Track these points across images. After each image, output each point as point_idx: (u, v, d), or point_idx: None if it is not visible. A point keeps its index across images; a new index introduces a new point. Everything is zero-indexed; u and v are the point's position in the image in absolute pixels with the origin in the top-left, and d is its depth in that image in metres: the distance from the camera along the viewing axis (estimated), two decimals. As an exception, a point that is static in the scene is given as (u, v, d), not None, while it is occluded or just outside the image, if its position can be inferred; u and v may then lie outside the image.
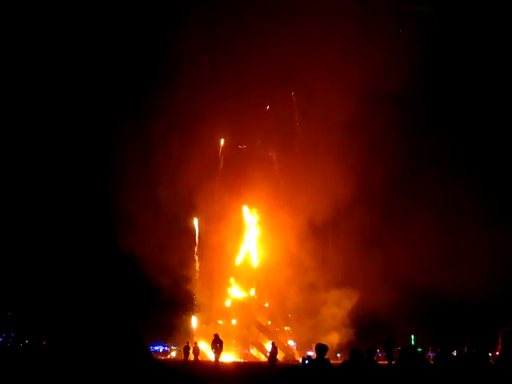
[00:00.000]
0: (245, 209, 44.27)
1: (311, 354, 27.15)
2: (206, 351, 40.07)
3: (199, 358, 32.88)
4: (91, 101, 42.99)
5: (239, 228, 44.11)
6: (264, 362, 32.57)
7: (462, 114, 41.49)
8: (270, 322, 42.50)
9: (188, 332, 40.45)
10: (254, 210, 44.26)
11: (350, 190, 38.99)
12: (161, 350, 48.66)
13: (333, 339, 37.52)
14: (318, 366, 8.06)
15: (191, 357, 32.06)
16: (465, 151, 41.75)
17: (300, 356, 38.86)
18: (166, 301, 40.55)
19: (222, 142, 44.46)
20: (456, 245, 38.39)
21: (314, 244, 40.62)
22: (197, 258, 42.09)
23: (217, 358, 25.23)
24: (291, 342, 42.28)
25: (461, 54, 40.76)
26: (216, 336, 25.60)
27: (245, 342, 40.38)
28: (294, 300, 40.46)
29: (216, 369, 23.63)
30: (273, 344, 28.92)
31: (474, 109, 41.69)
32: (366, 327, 39.36)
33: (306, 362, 13.37)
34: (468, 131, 41.23)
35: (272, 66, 40.02)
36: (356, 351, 8.36)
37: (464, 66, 40.91)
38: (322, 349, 8.24)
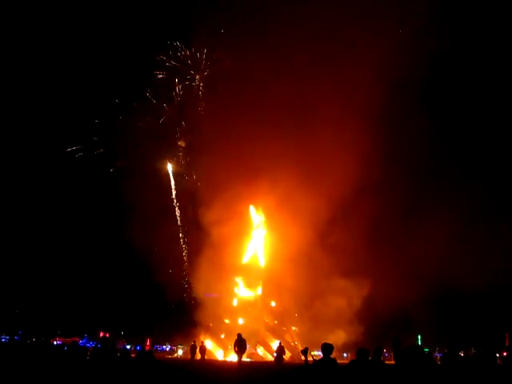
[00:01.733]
0: (251, 208, 44.20)
1: (317, 353, 27.19)
2: (216, 351, 40.22)
3: (206, 357, 32.98)
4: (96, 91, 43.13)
5: (246, 227, 44.04)
6: (271, 362, 32.55)
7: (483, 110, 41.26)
8: (276, 322, 42.42)
9: (194, 331, 40.42)
10: (261, 209, 44.15)
11: (364, 183, 38.93)
12: (167, 349, 48.84)
13: (340, 338, 37.43)
14: (325, 365, 8.05)
15: (198, 356, 32.17)
16: (487, 147, 41.42)
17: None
18: (172, 300, 40.66)
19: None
20: (471, 243, 37.83)
21: (324, 239, 40.55)
22: (203, 256, 41.88)
23: (240, 357, 25.13)
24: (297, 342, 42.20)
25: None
26: (239, 335, 25.51)
27: (251, 342, 40.32)
28: (301, 299, 40.41)
29: (239, 368, 23.49)
30: (279, 344, 28.93)
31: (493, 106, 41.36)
32: (373, 326, 39.19)
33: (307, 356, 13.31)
34: (491, 127, 40.97)
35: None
36: (362, 350, 8.33)
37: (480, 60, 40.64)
38: (327, 348, 8.23)
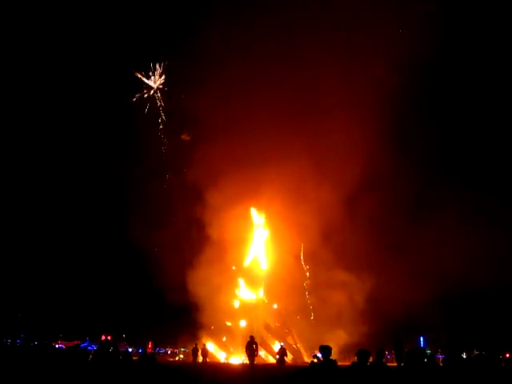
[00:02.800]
0: (253, 210, 44.09)
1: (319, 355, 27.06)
2: (218, 354, 40.15)
3: (208, 360, 32.91)
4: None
5: (247, 228, 43.91)
6: (272, 364, 32.49)
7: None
8: (278, 324, 42.34)
9: (196, 333, 40.37)
10: (263, 211, 44.01)
11: (371, 179, 38.75)
12: (169, 352, 48.78)
13: (341, 339, 37.32)
14: (325, 367, 8.01)
15: (200, 358, 32.10)
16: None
17: (308, 358, 38.73)
18: (173, 302, 40.49)
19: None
20: (477, 243, 37.38)
21: (328, 237, 40.41)
22: (204, 258, 41.77)
23: (252, 360, 25.18)
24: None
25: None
26: (251, 338, 25.64)
27: (253, 344, 40.20)
28: (302, 300, 40.37)
29: (252, 371, 23.57)
30: (281, 346, 28.90)
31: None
32: (376, 327, 39.00)
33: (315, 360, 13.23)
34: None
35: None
36: (363, 352, 8.29)
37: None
38: (326, 350, 8.19)
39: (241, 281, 43.08)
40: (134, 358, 16.64)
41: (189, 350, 37.83)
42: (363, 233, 39.30)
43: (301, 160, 39.42)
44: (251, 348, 25.12)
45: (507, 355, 31.88)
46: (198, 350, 32.30)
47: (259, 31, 39.76)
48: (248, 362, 26.39)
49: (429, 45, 36.97)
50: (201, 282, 39.68)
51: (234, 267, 42.63)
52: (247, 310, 42.16)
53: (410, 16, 38.41)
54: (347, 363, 23.92)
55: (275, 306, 43.11)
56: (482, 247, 37.11)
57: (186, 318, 41.73)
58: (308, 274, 42.26)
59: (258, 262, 43.90)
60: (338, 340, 36.29)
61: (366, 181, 39.56)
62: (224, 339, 40.94)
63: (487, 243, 37.43)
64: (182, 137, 44.30)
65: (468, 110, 41.64)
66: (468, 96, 41.39)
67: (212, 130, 41.73)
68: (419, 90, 40.08)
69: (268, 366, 30.82)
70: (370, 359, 8.55)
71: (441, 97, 41.36)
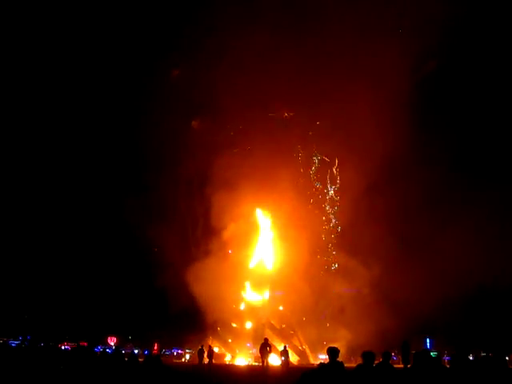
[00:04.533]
0: (258, 211, 44.06)
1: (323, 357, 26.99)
2: (224, 355, 40.13)
3: (213, 361, 32.88)
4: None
5: (253, 230, 43.86)
6: (278, 366, 32.43)
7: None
8: (284, 326, 42.28)
9: (202, 335, 40.35)
10: (269, 211, 43.94)
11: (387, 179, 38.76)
12: (175, 354, 48.76)
13: (347, 341, 37.22)
14: (332, 369, 7.98)
15: (206, 360, 32.07)
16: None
17: (314, 359, 38.64)
18: (179, 304, 40.54)
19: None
20: (493, 243, 36.99)
21: (339, 237, 40.20)
22: (211, 260, 41.79)
23: (265, 361, 25.42)
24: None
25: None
26: (266, 340, 26.09)
27: (258, 346, 40.12)
28: (307, 302, 40.31)
29: (265, 371, 23.77)
30: (284, 347, 28.92)
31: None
32: (382, 328, 38.84)
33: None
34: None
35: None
36: (368, 354, 8.24)
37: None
38: (333, 352, 8.15)
39: (247, 283, 43.07)
40: (139, 360, 16.70)
41: (195, 351, 37.78)
42: (378, 231, 38.97)
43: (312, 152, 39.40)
44: (265, 349, 25.46)
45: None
46: (203, 352, 32.23)
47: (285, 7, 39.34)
48: (260, 363, 26.75)
49: (455, 39, 36.85)
50: (206, 283, 39.78)
51: (239, 269, 42.63)
52: (253, 311, 42.15)
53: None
54: (353, 365, 23.87)
55: (281, 308, 43.08)
56: (495, 249, 36.86)
57: (191, 319, 41.76)
58: (315, 272, 42.25)
59: (263, 263, 43.89)
60: (344, 341, 36.21)
61: (383, 180, 39.41)
62: (230, 341, 40.93)
63: (500, 244, 37.16)
64: (193, 123, 43.78)
65: (499, 109, 41.09)
66: (500, 94, 40.87)
67: (221, 119, 41.60)
68: (450, 82, 39.75)
69: (273, 368, 30.79)
70: (376, 361, 8.51)
71: (472, 92, 40.74)
